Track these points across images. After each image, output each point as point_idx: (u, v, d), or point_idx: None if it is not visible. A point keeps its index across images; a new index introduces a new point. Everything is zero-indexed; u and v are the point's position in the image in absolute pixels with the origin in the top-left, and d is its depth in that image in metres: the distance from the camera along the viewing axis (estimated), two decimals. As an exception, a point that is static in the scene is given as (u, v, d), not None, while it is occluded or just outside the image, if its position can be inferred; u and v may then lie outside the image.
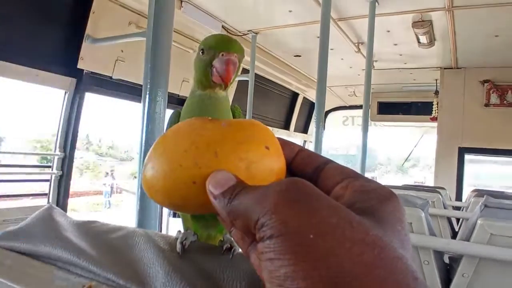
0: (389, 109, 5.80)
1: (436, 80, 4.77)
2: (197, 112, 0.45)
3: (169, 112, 0.55)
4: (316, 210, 0.21)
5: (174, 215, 3.83)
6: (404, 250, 0.22)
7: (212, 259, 0.37)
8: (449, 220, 2.68)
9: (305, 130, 6.75)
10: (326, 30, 2.11)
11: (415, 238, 1.54)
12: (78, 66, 2.68)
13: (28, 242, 0.39)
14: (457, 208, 3.11)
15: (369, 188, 0.26)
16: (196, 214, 0.45)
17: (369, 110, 3.16)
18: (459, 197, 4.44)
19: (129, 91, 3.13)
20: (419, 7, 2.92)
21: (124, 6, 2.85)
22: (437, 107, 4.74)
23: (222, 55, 0.43)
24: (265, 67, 4.42)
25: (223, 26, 3.46)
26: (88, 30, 2.66)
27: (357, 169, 2.62)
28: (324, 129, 2.17)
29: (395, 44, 3.84)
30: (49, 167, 2.90)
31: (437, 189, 2.88)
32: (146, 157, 0.30)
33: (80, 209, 13.00)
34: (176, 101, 3.48)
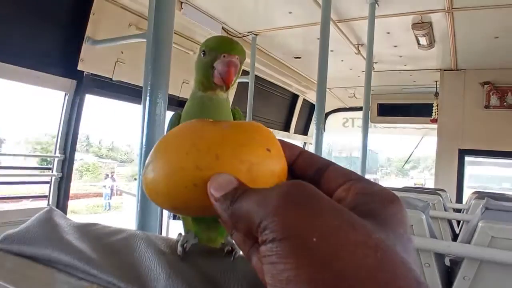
0: (389, 110, 5.79)
1: (436, 81, 4.77)
2: (198, 114, 0.45)
3: (169, 114, 0.55)
4: (319, 213, 0.21)
5: (174, 217, 3.82)
6: (407, 254, 0.22)
7: (213, 262, 0.37)
8: (449, 222, 2.68)
9: (305, 132, 6.76)
10: (326, 32, 2.12)
11: (416, 240, 1.53)
12: (78, 68, 2.68)
13: (29, 245, 0.39)
14: (458, 210, 3.11)
15: (371, 191, 0.26)
16: (197, 217, 0.45)
17: (369, 111, 3.16)
18: (459, 199, 4.44)
19: (129, 92, 3.13)
20: (419, 9, 2.92)
21: (124, 7, 2.86)
22: (437, 109, 4.74)
23: (224, 56, 0.43)
24: (265, 68, 4.42)
25: (223, 28, 3.47)
26: (88, 32, 2.66)
27: (358, 171, 2.61)
28: (324, 131, 2.17)
29: (395, 46, 3.84)
30: (49, 169, 2.90)
31: (438, 191, 2.88)
32: (147, 160, 0.30)
33: (80, 211, 12.99)
34: (176, 103, 3.48)
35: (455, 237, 2.63)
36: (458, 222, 2.94)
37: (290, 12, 3.15)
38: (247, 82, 3.84)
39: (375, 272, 0.19)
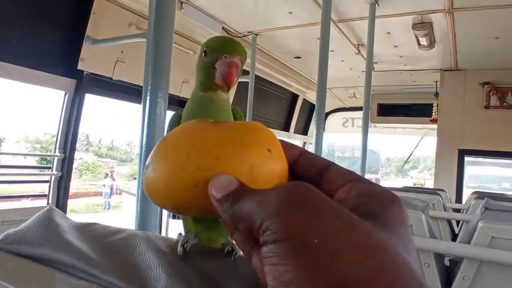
0: (389, 111, 5.80)
1: (436, 82, 4.77)
2: (198, 114, 0.45)
3: (169, 114, 0.55)
4: (320, 214, 0.21)
5: (174, 217, 3.82)
6: (408, 255, 0.22)
7: (213, 262, 0.37)
8: (449, 222, 2.68)
9: (305, 132, 6.76)
10: (327, 32, 2.12)
11: (415, 240, 1.53)
12: (78, 67, 2.68)
13: (29, 245, 0.39)
14: (457, 210, 3.11)
15: (372, 191, 0.25)
16: (197, 217, 0.45)
17: (369, 112, 3.16)
18: (459, 199, 4.44)
19: (130, 92, 3.13)
20: (419, 9, 2.92)
21: (124, 7, 2.85)
22: (437, 109, 4.74)
23: (225, 57, 0.43)
24: (265, 68, 4.42)
25: (223, 28, 3.47)
26: (89, 31, 2.66)
27: (358, 171, 2.62)
28: (324, 131, 2.17)
29: (395, 46, 3.84)
30: (49, 168, 2.90)
31: (437, 191, 2.88)
32: (147, 160, 0.30)
33: (79, 210, 13.00)
34: (176, 102, 3.48)
35: (454, 237, 2.63)
36: (458, 222, 2.94)
37: (290, 12, 3.14)
38: (247, 82, 3.84)
39: (377, 273, 0.18)
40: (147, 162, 0.30)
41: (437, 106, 4.77)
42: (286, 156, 0.30)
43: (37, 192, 3.48)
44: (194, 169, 0.27)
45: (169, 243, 0.40)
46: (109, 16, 2.77)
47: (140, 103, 1.67)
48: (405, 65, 4.49)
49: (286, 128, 6.10)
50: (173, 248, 0.39)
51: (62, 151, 2.81)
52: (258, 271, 0.26)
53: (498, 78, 4.30)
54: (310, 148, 4.52)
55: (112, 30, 2.74)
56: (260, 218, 0.22)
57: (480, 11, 2.80)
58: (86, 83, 2.79)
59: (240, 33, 3.68)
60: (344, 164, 0.29)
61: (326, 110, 4.87)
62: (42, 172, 3.46)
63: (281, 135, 5.56)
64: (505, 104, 4.30)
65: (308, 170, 0.30)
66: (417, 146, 7.54)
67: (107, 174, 16.06)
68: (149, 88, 1.26)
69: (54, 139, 2.91)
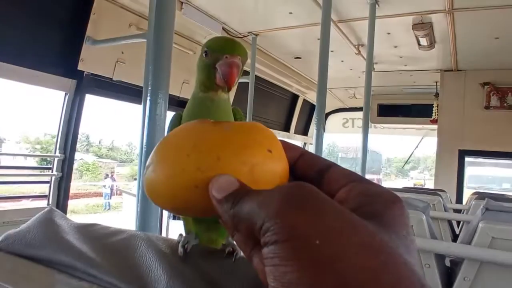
0: (389, 111, 5.80)
1: (436, 82, 4.77)
2: (199, 114, 0.45)
3: (169, 114, 0.55)
4: (321, 215, 0.21)
5: (174, 218, 3.82)
6: (410, 256, 0.22)
7: (214, 263, 0.37)
8: (449, 223, 2.68)
9: (305, 132, 6.76)
10: (327, 32, 2.12)
11: (416, 241, 1.53)
12: (78, 68, 2.68)
13: (29, 246, 0.39)
14: (458, 211, 3.11)
15: (373, 192, 0.25)
16: (198, 218, 0.45)
17: (369, 112, 3.16)
18: (459, 199, 4.44)
19: (130, 92, 3.13)
20: (419, 9, 2.92)
21: (124, 7, 2.86)
22: (437, 109, 4.74)
23: (226, 57, 0.43)
24: (266, 69, 4.43)
25: (223, 28, 3.47)
26: (89, 32, 2.66)
27: (358, 171, 2.62)
28: (324, 131, 2.17)
29: (395, 46, 3.84)
30: (49, 168, 2.90)
31: (438, 192, 2.88)
32: (148, 160, 0.30)
33: (80, 211, 13.00)
34: (176, 103, 3.48)
35: (455, 237, 2.63)
36: (458, 222, 2.94)
37: (290, 13, 3.15)
38: (247, 82, 3.84)
39: (378, 274, 0.18)
40: (147, 163, 0.29)
41: (437, 106, 4.77)
42: (286, 157, 0.30)
43: (38, 193, 3.49)
44: (195, 169, 0.27)
45: (169, 244, 0.40)
46: (109, 17, 2.77)
47: (140, 103, 1.67)
48: (405, 65, 4.49)
49: (286, 129, 6.10)
50: (173, 249, 0.39)
51: (63, 152, 2.81)
52: (259, 272, 0.26)
53: (498, 79, 4.30)
54: (311, 149, 4.51)
55: (112, 30, 2.75)
56: (261, 218, 0.22)
57: (480, 11, 2.80)
58: (86, 84, 2.79)
59: (240, 34, 3.68)
60: (347, 165, 0.29)
61: (326, 111, 4.86)
62: (42, 173, 3.46)
63: (281, 136, 5.56)
64: (505, 104, 4.30)
65: (309, 171, 0.30)
66: (417, 146, 7.53)
67: (107, 175, 16.06)
68: (149, 88, 1.25)
69: (55, 140, 2.91)
